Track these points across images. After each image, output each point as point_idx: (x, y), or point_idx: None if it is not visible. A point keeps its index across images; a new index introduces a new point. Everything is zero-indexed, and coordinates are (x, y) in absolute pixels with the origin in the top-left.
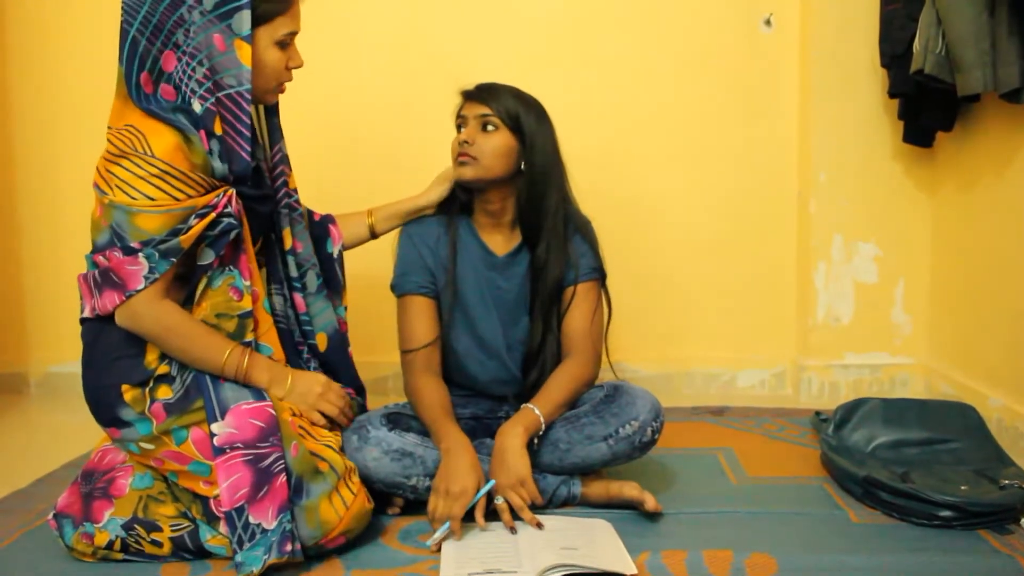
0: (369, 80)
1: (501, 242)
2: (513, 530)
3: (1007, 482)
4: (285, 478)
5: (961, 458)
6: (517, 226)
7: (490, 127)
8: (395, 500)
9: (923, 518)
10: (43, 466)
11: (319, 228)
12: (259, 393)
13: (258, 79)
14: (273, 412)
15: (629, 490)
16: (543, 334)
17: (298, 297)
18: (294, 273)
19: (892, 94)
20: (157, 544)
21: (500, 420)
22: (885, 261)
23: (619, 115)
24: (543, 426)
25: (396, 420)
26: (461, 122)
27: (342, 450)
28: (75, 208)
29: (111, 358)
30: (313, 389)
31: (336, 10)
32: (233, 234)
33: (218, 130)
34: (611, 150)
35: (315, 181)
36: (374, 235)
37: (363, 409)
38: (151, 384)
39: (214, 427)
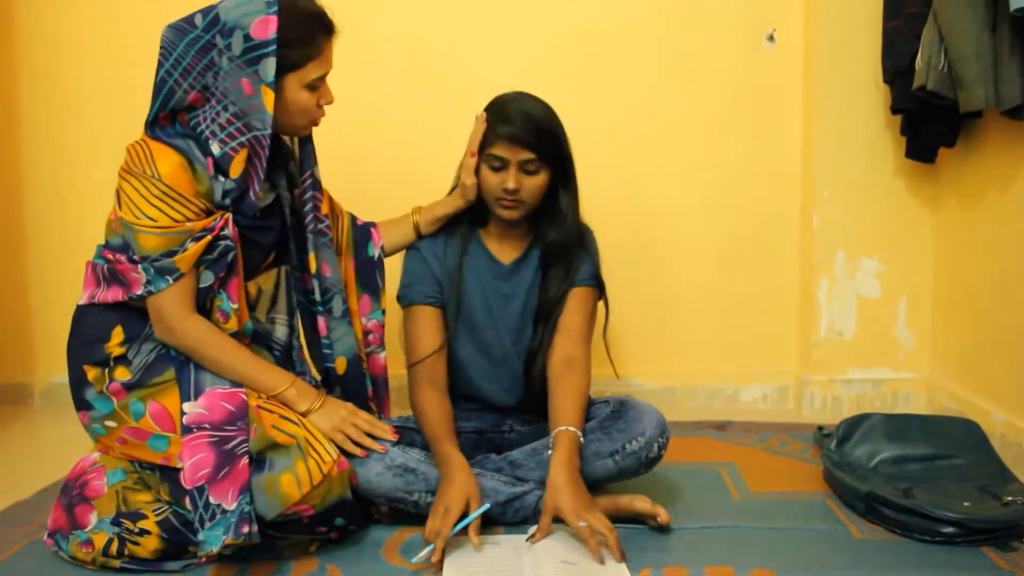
0: (379, 93)
1: (508, 250)
2: (595, 554)
3: (1010, 499)
4: (247, 460)
5: (964, 474)
6: (526, 234)
7: (531, 167)
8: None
9: (926, 534)
10: (46, 476)
11: (361, 232)
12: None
13: (289, 118)
14: (244, 398)
15: (640, 503)
16: (543, 341)
17: (321, 321)
18: (318, 297)
19: (895, 110)
20: (146, 532)
21: (503, 434)
22: (888, 276)
23: (623, 129)
24: (582, 439)
25: (400, 434)
26: (500, 165)
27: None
28: (81, 218)
29: (82, 341)
30: (339, 412)
31: (346, 23)
32: (230, 256)
33: (234, 174)
34: (615, 164)
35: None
36: (420, 235)
37: None
38: (111, 364)
39: (185, 406)
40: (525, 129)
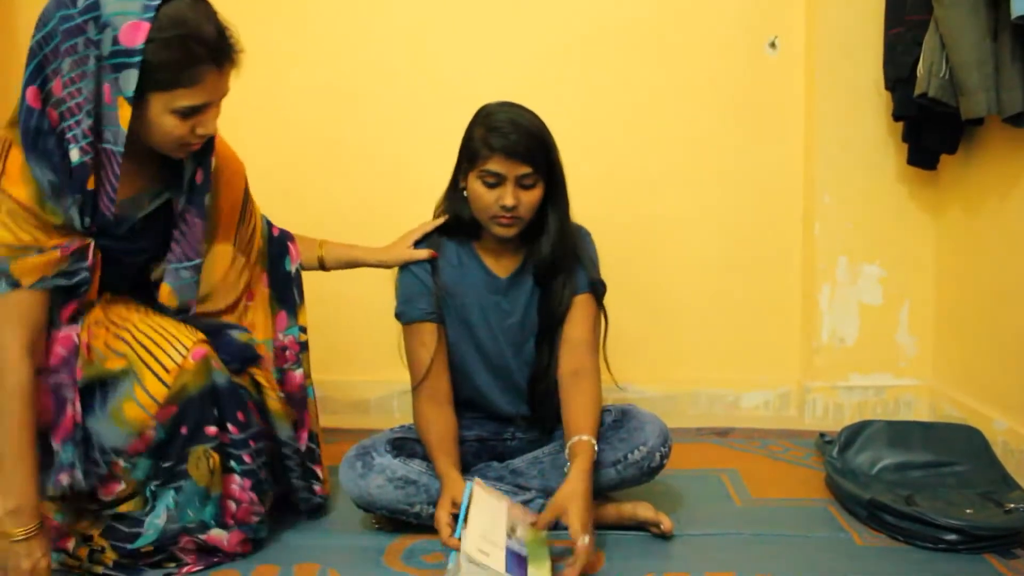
0: (377, 100)
1: (504, 264)
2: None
3: (1012, 506)
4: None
5: (966, 481)
6: (520, 247)
7: (528, 181)
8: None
9: (928, 541)
10: None
11: (277, 245)
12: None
13: (152, 138)
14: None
15: (643, 511)
16: (549, 358)
17: None
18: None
19: (896, 117)
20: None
21: (506, 443)
22: (890, 283)
23: (625, 137)
24: (596, 448)
25: (401, 446)
26: (496, 181)
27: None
28: None
29: None
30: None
31: (345, 29)
32: (83, 290)
33: (91, 185)
34: (617, 172)
35: (314, 198)
36: (323, 267)
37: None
38: None
39: None
40: (521, 142)
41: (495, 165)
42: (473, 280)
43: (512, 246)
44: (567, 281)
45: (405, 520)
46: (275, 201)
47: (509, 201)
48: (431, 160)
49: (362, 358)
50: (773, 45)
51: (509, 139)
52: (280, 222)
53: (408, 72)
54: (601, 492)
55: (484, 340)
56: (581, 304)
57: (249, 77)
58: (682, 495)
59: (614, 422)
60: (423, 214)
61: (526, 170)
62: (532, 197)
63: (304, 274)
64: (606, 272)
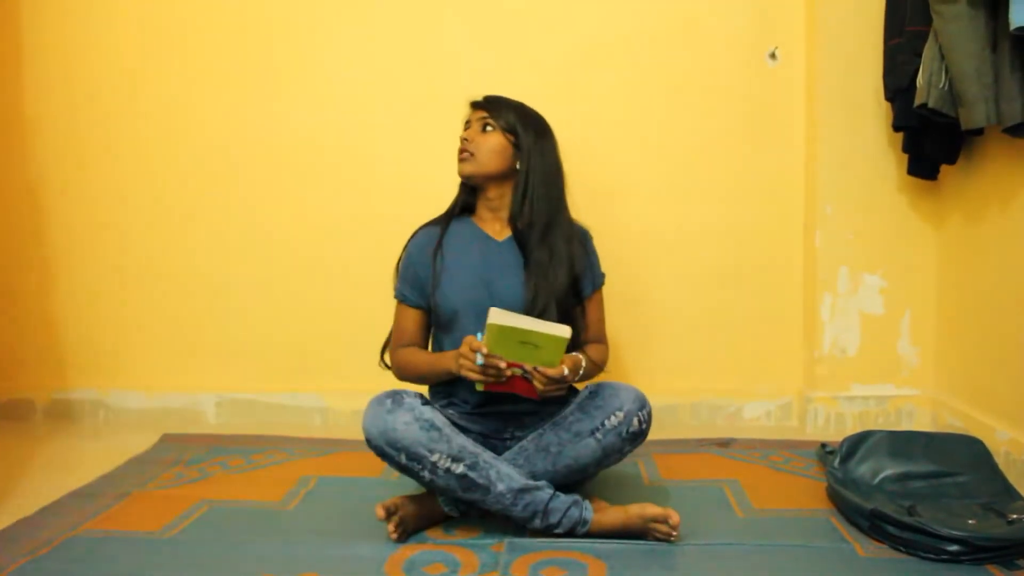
0: (382, 110)
1: (500, 230)
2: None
3: (1015, 516)
4: None
5: (968, 491)
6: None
7: (489, 128)
8: (385, 509)
9: (930, 552)
10: (49, 494)
11: None
12: None
13: None
14: None
15: (651, 509)
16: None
17: None
18: None
19: (896, 127)
20: None
21: (506, 441)
22: (891, 293)
23: (626, 148)
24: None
25: (427, 403)
26: (466, 126)
27: None
28: (83, 234)
29: None
30: None
31: (349, 40)
32: None
33: None
34: (618, 182)
35: (317, 204)
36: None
37: None
38: None
39: None
40: (488, 98)
41: (467, 115)
42: (470, 244)
43: (504, 215)
44: (556, 248)
45: (418, 475)
46: (277, 207)
47: (464, 134)
48: (434, 168)
49: (364, 368)
50: (773, 56)
51: (483, 96)
52: (282, 227)
53: (413, 83)
54: (586, 470)
55: (478, 299)
56: (597, 300)
57: (253, 84)
58: (683, 506)
59: (590, 394)
60: (426, 219)
61: (483, 114)
62: (488, 140)
63: (307, 283)
64: (607, 282)
